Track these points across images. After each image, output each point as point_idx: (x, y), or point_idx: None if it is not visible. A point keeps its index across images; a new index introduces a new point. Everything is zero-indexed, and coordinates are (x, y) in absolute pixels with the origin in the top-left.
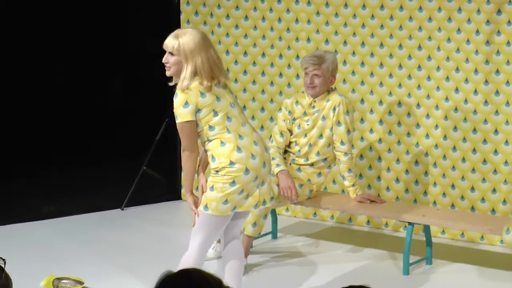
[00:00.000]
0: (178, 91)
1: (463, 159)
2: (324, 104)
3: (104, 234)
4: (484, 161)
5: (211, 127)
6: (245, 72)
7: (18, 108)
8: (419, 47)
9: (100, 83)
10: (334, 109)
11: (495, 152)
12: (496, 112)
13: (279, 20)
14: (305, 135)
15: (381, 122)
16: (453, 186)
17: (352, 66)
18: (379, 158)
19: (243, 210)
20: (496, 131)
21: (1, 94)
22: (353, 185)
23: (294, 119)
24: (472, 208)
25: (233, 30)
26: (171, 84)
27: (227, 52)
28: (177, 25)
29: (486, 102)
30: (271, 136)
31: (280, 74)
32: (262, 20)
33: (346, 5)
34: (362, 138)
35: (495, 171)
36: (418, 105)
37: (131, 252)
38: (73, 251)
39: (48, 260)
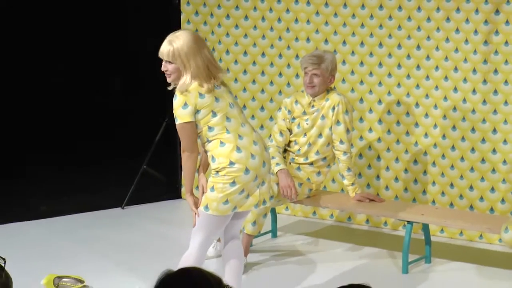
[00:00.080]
0: (177, 93)
1: (462, 158)
2: (323, 104)
3: (105, 232)
4: (483, 160)
5: (210, 128)
6: (245, 71)
7: (18, 108)
8: (418, 47)
9: (100, 83)
10: (334, 108)
11: (494, 151)
12: (495, 112)
13: (279, 20)
14: (305, 134)
15: (380, 121)
16: (452, 185)
17: (352, 65)
18: (378, 157)
19: (243, 210)
20: (494, 130)
21: (1, 94)
22: (353, 184)
23: (294, 118)
24: (471, 207)
25: (233, 30)
26: (170, 88)
27: (227, 52)
28: (177, 25)
29: (484, 102)
30: (270, 135)
31: (280, 74)
32: (262, 20)
33: (345, 5)
34: (361, 137)
35: (493, 170)
36: (417, 105)
37: (131, 250)
38: (73, 249)
39: (48, 259)
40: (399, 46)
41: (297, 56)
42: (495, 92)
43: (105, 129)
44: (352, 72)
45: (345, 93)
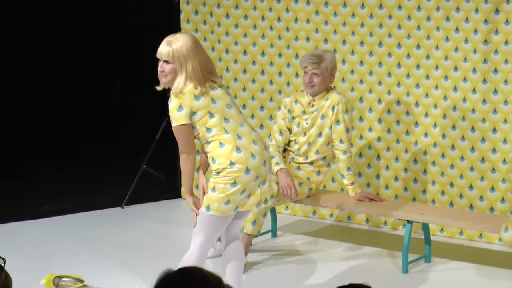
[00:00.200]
0: (172, 96)
1: (462, 158)
2: (323, 103)
3: (104, 232)
4: (483, 160)
5: (208, 129)
6: (244, 71)
7: (18, 108)
8: (418, 46)
9: (100, 83)
10: (333, 107)
11: (493, 150)
12: (494, 111)
13: (279, 19)
14: (304, 134)
15: (380, 120)
16: (451, 185)
17: (351, 65)
18: (378, 157)
19: (245, 209)
20: (494, 130)
21: (1, 93)
22: (352, 183)
23: (294, 118)
24: (471, 206)
25: (233, 29)
26: (159, 88)
27: (227, 51)
28: (177, 25)
29: (484, 101)
30: (270, 135)
31: (280, 73)
32: (262, 19)
33: (345, 5)
34: (361, 137)
35: (493, 170)
36: (416, 104)
37: (131, 250)
38: (73, 249)
39: (48, 258)
40: (399, 45)
41: (296, 56)
42: (495, 91)
43: (105, 129)
44: (352, 72)
45: (345, 93)
